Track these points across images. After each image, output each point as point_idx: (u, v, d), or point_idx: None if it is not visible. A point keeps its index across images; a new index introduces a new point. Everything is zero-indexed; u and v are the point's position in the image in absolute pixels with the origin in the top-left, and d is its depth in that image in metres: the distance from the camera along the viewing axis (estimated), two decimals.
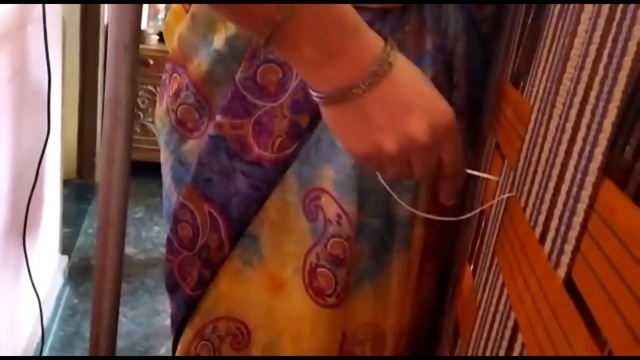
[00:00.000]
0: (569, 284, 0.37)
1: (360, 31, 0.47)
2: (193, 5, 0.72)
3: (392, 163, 0.52)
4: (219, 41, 0.69)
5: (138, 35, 0.55)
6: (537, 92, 0.52)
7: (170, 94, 0.74)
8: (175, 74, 0.74)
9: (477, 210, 0.57)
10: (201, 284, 0.75)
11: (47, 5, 1.09)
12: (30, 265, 1.25)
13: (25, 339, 1.50)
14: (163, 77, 0.77)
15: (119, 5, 0.52)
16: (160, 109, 0.78)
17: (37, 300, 1.31)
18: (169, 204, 0.78)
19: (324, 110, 0.51)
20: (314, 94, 0.50)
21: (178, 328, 0.79)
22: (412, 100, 0.49)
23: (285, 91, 0.68)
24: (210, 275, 0.74)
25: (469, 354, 0.58)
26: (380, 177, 0.59)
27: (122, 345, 1.77)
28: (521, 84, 0.63)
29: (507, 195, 0.54)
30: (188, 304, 0.76)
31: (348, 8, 0.47)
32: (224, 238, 0.72)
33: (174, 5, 0.78)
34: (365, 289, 0.75)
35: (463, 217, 0.61)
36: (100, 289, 0.62)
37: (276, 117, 0.68)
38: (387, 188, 0.60)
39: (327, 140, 0.69)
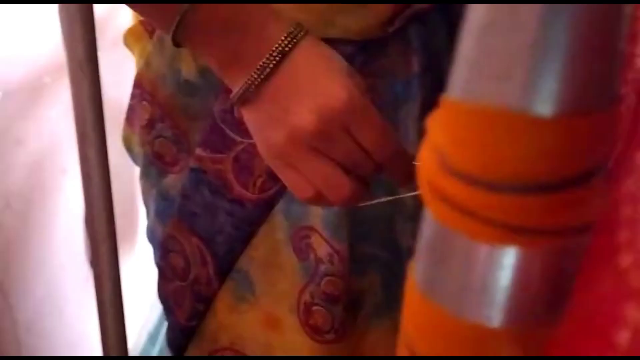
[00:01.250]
0: None
1: (264, 24, 0.45)
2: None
3: (300, 163, 0.47)
4: (189, 71, 0.64)
5: (94, 50, 0.53)
6: None
7: (142, 124, 0.68)
8: (144, 102, 0.68)
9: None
10: (195, 316, 0.72)
11: None
12: None
13: None
14: (131, 102, 0.70)
15: (67, 19, 0.49)
16: (133, 135, 0.72)
17: None
18: (152, 234, 0.74)
19: (242, 112, 0.49)
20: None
21: (176, 351, 0.77)
22: (303, 89, 0.45)
23: None
24: (204, 307, 0.72)
25: None
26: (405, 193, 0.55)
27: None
28: None
29: None
30: (184, 332, 0.74)
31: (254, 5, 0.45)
32: (212, 275, 0.69)
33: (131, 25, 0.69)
34: (383, 322, 0.71)
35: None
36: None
37: (256, 155, 0.61)
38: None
39: None
